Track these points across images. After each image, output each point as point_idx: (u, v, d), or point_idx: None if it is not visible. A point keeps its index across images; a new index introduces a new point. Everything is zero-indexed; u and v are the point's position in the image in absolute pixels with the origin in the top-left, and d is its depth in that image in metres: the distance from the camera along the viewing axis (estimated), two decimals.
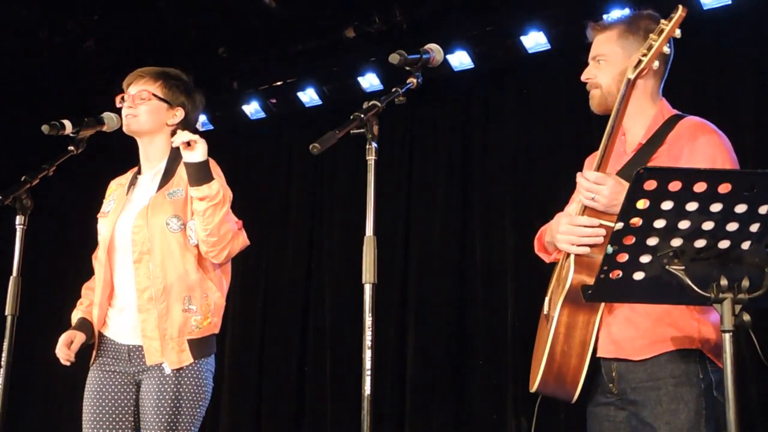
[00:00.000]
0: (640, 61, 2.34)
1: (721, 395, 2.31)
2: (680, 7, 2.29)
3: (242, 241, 2.98)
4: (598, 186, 2.32)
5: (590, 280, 2.31)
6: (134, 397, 2.90)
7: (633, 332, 2.37)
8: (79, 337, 2.93)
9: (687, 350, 2.34)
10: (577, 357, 2.37)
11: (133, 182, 3.08)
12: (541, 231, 2.69)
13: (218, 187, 2.79)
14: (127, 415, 2.90)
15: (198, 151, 2.78)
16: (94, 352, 2.97)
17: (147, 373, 2.86)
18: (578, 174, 2.38)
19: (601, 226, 2.33)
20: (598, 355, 2.40)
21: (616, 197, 2.29)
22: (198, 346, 2.88)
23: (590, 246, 2.34)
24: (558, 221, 2.46)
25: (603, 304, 2.37)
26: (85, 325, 2.97)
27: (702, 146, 2.41)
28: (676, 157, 2.41)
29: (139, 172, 3.09)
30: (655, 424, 2.31)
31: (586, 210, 2.37)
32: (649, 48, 2.32)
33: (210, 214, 2.80)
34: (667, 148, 2.44)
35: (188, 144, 2.78)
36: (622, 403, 2.41)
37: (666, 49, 2.34)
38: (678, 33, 2.31)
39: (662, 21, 2.32)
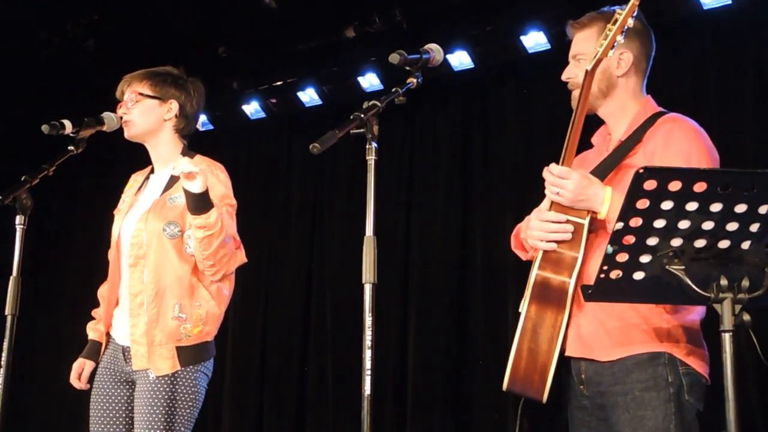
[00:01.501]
0: (597, 52, 2.31)
1: (694, 398, 2.29)
2: None
3: (239, 259, 2.98)
4: (562, 180, 2.29)
5: (554, 277, 2.30)
6: (130, 396, 2.91)
7: (601, 332, 2.34)
8: (89, 366, 3.00)
9: (655, 353, 2.30)
10: (545, 354, 2.31)
11: (145, 181, 3.09)
12: (517, 228, 2.66)
13: (216, 216, 2.76)
14: (121, 413, 2.92)
15: (197, 182, 2.71)
16: (102, 351, 3.00)
17: (140, 375, 2.87)
18: (545, 168, 2.36)
19: (568, 222, 2.31)
20: (567, 354, 2.36)
21: (582, 192, 2.27)
22: (187, 354, 2.86)
23: (558, 242, 2.31)
24: (530, 217, 2.44)
25: (570, 302, 2.32)
26: (93, 350, 3.01)
27: (676, 141, 2.37)
28: (651, 154, 2.37)
29: (152, 171, 3.11)
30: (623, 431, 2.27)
31: (554, 205, 2.34)
32: (605, 37, 2.30)
33: (207, 242, 2.78)
34: (644, 145, 2.41)
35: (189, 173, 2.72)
36: (592, 407, 2.39)
37: (620, 38, 2.30)
38: (631, 22, 2.28)
39: (617, 10, 2.29)
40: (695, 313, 2.38)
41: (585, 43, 2.54)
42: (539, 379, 2.32)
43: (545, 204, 2.42)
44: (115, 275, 2.98)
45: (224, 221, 2.84)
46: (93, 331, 3.05)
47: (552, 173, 2.31)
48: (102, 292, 3.09)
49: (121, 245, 2.97)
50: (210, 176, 2.93)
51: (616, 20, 2.28)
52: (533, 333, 2.33)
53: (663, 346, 2.31)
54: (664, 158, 2.35)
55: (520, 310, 2.49)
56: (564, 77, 2.59)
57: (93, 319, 3.09)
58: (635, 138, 2.44)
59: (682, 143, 2.37)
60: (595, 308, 2.34)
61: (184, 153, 3.03)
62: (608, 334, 2.33)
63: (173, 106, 3.04)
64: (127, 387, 2.92)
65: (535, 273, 2.32)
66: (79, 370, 3.00)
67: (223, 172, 3.01)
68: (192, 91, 3.10)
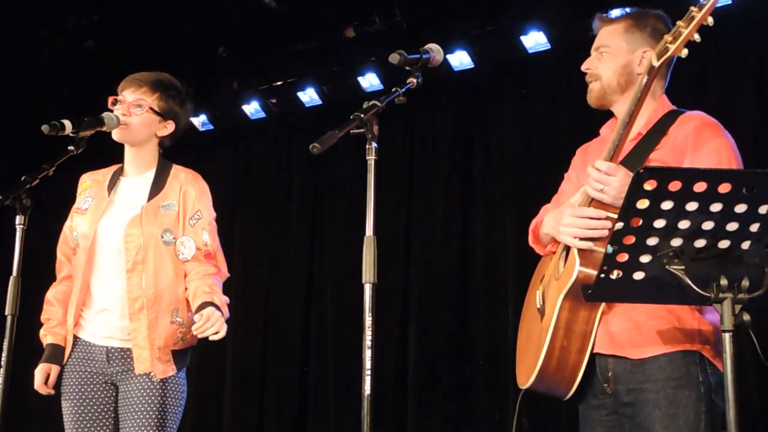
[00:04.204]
0: (666, 48, 2.26)
1: (720, 399, 2.25)
2: None
3: (224, 277, 3.07)
4: (608, 177, 2.26)
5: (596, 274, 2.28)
6: (114, 397, 2.93)
7: (632, 330, 2.33)
8: (54, 370, 2.97)
9: (687, 351, 2.29)
10: (577, 352, 2.32)
11: (113, 183, 3.07)
12: (536, 223, 2.64)
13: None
14: (108, 414, 2.93)
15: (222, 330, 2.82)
16: (67, 353, 2.97)
17: (127, 377, 2.89)
18: (589, 165, 2.32)
19: (607, 218, 2.28)
20: (595, 350, 2.35)
21: (626, 189, 2.25)
22: (180, 358, 2.94)
23: (595, 239, 2.28)
24: (560, 212, 2.41)
25: None
26: (56, 354, 2.98)
27: (706, 139, 2.37)
28: (680, 150, 2.37)
29: (121, 174, 3.09)
30: (653, 429, 2.26)
31: (593, 202, 2.32)
32: (677, 35, 2.23)
33: None
34: (671, 140, 2.40)
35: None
36: (615, 405, 2.36)
37: (696, 37, 2.22)
38: (710, 21, 2.20)
39: (692, 8, 2.21)
40: None
41: (610, 37, 2.53)
42: (569, 377, 2.33)
43: (578, 199, 2.39)
44: (85, 277, 2.96)
45: (211, 241, 2.99)
46: (52, 334, 3.00)
47: (599, 170, 2.28)
48: (56, 294, 3.06)
49: (100, 246, 2.96)
50: (197, 185, 3.04)
51: (692, 18, 2.20)
52: (566, 330, 2.32)
53: (695, 346, 2.30)
54: (696, 156, 2.34)
55: (537, 306, 2.47)
56: (584, 68, 2.57)
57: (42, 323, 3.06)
58: (658, 132, 2.42)
59: (713, 141, 2.36)
60: (627, 305, 2.33)
61: (160, 162, 3.07)
62: (640, 331, 2.32)
63: (169, 126, 3.07)
64: (111, 388, 2.94)
65: (577, 269, 2.28)
66: (45, 375, 2.96)
67: (203, 181, 3.08)
68: (188, 111, 3.16)
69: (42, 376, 2.96)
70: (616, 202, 2.26)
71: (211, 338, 2.78)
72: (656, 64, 2.30)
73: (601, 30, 2.58)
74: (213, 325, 2.76)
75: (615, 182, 2.26)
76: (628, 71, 2.47)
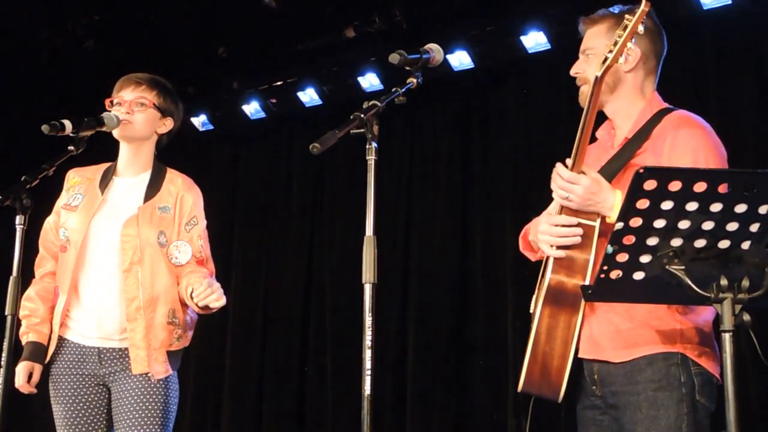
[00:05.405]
0: (606, 58, 2.31)
1: (705, 398, 2.28)
2: (643, 1, 2.28)
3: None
4: (571, 185, 2.28)
5: (568, 280, 2.30)
6: (106, 399, 2.93)
7: (613, 333, 2.34)
8: (37, 369, 2.94)
9: (668, 353, 2.30)
10: (560, 358, 2.33)
11: (106, 182, 3.06)
12: (525, 229, 2.65)
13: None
14: (102, 417, 2.93)
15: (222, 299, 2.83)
16: (50, 353, 2.95)
17: (122, 377, 2.89)
18: (553, 169, 2.34)
19: (579, 225, 2.30)
20: (580, 355, 2.37)
21: (592, 197, 2.26)
22: (174, 358, 2.96)
23: (568, 246, 2.31)
24: (539, 220, 2.43)
25: (583, 304, 2.33)
26: (38, 353, 2.95)
27: (684, 139, 2.36)
28: (659, 152, 2.37)
29: (114, 173, 3.09)
30: (635, 431, 2.27)
31: (564, 209, 2.34)
32: (615, 44, 2.29)
33: None
34: (652, 142, 2.40)
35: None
36: (605, 407, 2.39)
37: (630, 45, 2.30)
38: (641, 29, 2.28)
39: (626, 16, 2.29)
40: (708, 313, 2.35)
41: (594, 38, 2.54)
42: (555, 381, 2.34)
43: (554, 207, 2.41)
44: (77, 273, 2.95)
45: (206, 248, 3.04)
46: (35, 332, 2.97)
47: (562, 177, 2.30)
48: (39, 291, 3.03)
49: (93, 245, 2.95)
50: (194, 191, 3.07)
51: (626, 26, 2.27)
52: (548, 336, 2.34)
53: (676, 347, 2.30)
54: (672, 157, 2.34)
55: (531, 311, 2.49)
56: (572, 72, 2.58)
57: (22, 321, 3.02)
58: (642, 136, 2.42)
59: (690, 141, 2.36)
60: (608, 309, 2.34)
61: (156, 165, 3.08)
62: (621, 335, 2.33)
63: (168, 123, 3.10)
64: (104, 390, 2.94)
65: (549, 277, 2.31)
66: (28, 374, 2.92)
67: (198, 188, 3.11)
68: (181, 112, 3.17)
69: (24, 375, 2.92)
70: (583, 208, 2.29)
71: (212, 305, 2.78)
72: (599, 74, 2.34)
73: (585, 32, 2.58)
74: (214, 292, 2.77)
75: (579, 190, 2.27)
76: (614, 70, 2.45)
